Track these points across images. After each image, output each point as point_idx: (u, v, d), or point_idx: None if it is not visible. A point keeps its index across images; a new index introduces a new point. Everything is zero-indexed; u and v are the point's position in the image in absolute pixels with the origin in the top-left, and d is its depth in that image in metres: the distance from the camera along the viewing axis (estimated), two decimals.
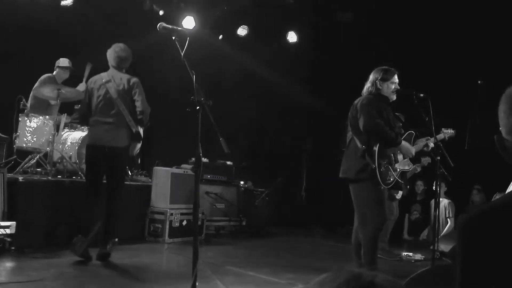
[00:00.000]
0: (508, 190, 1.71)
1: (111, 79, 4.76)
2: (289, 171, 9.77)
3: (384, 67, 4.29)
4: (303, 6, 8.61)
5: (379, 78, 4.23)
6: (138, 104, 4.70)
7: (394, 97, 4.30)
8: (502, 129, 1.34)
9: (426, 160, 6.40)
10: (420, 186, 8.62)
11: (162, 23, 3.13)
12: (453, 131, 4.88)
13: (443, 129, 4.81)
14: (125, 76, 4.81)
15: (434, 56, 8.20)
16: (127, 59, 4.86)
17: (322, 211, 9.26)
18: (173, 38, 3.01)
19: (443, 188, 8.14)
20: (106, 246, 4.62)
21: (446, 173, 5.10)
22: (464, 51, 7.77)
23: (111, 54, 4.84)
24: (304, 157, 10.10)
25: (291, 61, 9.32)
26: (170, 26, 3.07)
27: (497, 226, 1.18)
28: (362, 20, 8.42)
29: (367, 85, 4.28)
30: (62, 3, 7.49)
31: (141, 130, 4.75)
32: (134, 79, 4.81)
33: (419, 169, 6.56)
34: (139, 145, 4.83)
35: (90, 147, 4.82)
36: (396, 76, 4.27)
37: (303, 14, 8.93)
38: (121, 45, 4.86)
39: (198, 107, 2.78)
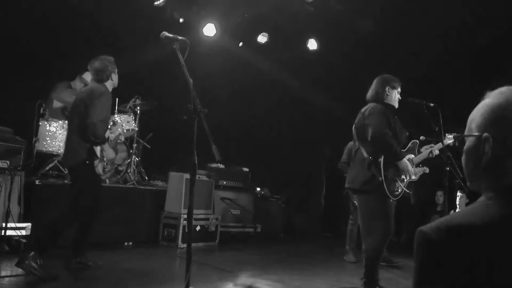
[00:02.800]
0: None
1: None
2: (309, 178, 9.74)
3: (389, 75, 4.25)
4: (324, 13, 8.60)
5: (389, 85, 4.19)
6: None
7: (397, 106, 4.26)
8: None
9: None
10: (440, 196, 8.45)
11: (165, 32, 3.20)
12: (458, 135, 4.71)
13: (447, 134, 4.64)
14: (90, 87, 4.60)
15: (454, 65, 8.07)
16: (101, 70, 4.57)
17: (341, 219, 9.17)
18: (174, 47, 3.07)
19: (464, 199, 7.96)
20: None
21: (462, 183, 4.99)
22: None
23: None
24: (324, 164, 10.05)
25: (310, 68, 9.32)
26: (171, 35, 3.13)
27: (450, 242, 1.17)
28: (383, 29, 8.34)
29: (375, 91, 4.23)
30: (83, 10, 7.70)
31: (97, 148, 4.38)
32: (98, 90, 4.45)
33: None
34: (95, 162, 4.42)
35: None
36: (399, 87, 4.25)
37: (323, 21, 8.92)
38: (99, 57, 4.64)
39: (194, 115, 2.82)
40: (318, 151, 10.00)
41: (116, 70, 4.68)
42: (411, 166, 4.22)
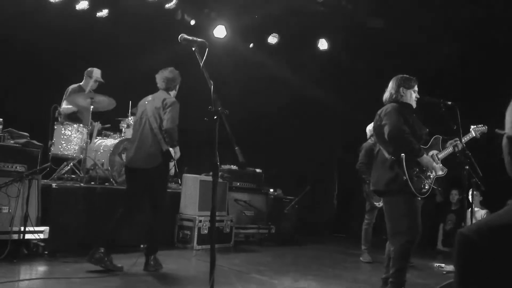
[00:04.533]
0: None
1: (152, 99, 4.94)
2: (322, 178, 9.72)
3: (405, 75, 4.22)
4: (334, 13, 8.60)
5: (403, 86, 4.17)
6: (164, 123, 4.74)
7: (415, 105, 4.23)
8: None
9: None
10: (455, 195, 8.41)
11: (183, 34, 3.20)
12: (485, 127, 4.53)
13: (472, 126, 4.55)
14: (163, 96, 4.89)
15: (466, 64, 8.02)
16: (171, 79, 4.95)
17: (354, 219, 9.15)
18: (193, 49, 3.07)
19: (479, 198, 7.91)
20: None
21: (479, 182, 4.94)
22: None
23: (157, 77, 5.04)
24: (335, 164, 10.03)
25: (322, 68, 9.31)
26: (190, 37, 3.14)
27: (493, 243, 1.16)
28: (394, 27, 8.31)
29: (390, 92, 4.21)
30: (98, 14, 7.77)
31: (172, 150, 4.73)
32: (168, 99, 4.83)
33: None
34: (171, 164, 4.94)
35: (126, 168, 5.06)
36: (416, 86, 4.22)
37: (333, 21, 8.91)
38: (169, 68, 5.02)
39: (215, 117, 2.82)
40: (330, 151, 9.97)
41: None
42: (436, 162, 4.18)
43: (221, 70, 8.11)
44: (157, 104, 4.80)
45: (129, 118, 6.89)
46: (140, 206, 4.78)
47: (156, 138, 4.72)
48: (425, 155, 4.02)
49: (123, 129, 6.90)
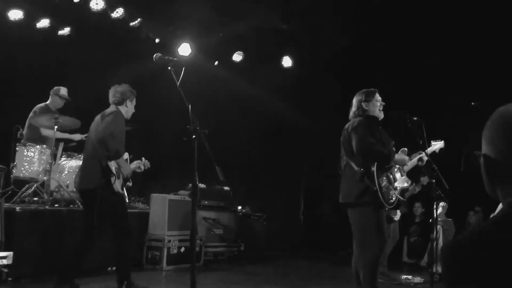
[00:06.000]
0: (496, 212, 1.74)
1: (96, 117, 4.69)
2: (288, 194, 9.80)
3: (363, 90, 4.36)
4: (298, 31, 8.78)
5: (362, 100, 4.30)
6: (97, 133, 4.42)
7: (382, 115, 4.34)
8: (488, 151, 1.30)
9: (424, 180, 6.34)
10: (418, 208, 8.64)
11: (159, 53, 3.23)
12: (441, 141, 4.81)
13: (432, 141, 4.78)
14: (106, 110, 4.65)
15: (428, 78, 8.34)
16: (120, 92, 4.72)
17: (321, 234, 9.26)
18: (169, 68, 3.09)
19: (444, 209, 8.16)
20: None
21: (442, 195, 5.12)
22: (456, 72, 7.91)
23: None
24: (302, 180, 10.15)
25: (286, 85, 9.44)
26: (166, 57, 3.16)
27: (473, 254, 1.19)
28: (358, 45, 8.55)
29: (353, 109, 4.34)
30: (60, 32, 7.65)
31: (113, 164, 4.40)
32: (109, 110, 4.59)
33: (418, 189, 6.49)
34: (115, 181, 4.41)
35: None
36: (377, 95, 4.33)
37: (298, 39, 9.09)
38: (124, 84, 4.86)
39: (194, 136, 2.84)
40: (296, 167, 10.09)
41: (134, 101, 4.78)
42: (401, 174, 4.33)
43: (186, 87, 8.10)
44: (98, 118, 4.60)
45: None
46: (99, 229, 4.43)
47: (96, 154, 4.40)
48: (396, 154, 4.16)
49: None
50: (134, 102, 4.79)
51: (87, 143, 4.68)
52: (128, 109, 4.74)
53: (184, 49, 8.78)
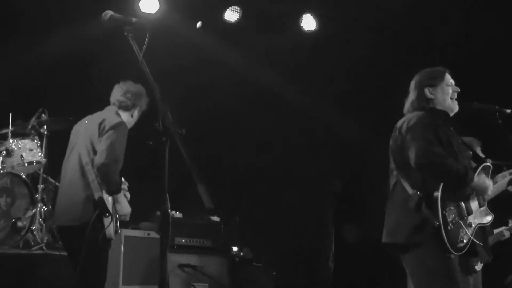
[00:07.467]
0: None
1: (90, 121, 4.90)
2: (310, 228, 9.81)
3: (427, 69, 4.36)
4: None
5: (425, 84, 4.28)
6: (97, 156, 4.63)
7: (456, 107, 4.33)
8: None
9: None
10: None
11: (109, 11, 3.21)
12: None
13: None
14: (104, 115, 4.87)
15: None
16: (134, 94, 5.05)
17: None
18: (125, 33, 3.08)
19: None
20: None
21: None
22: None
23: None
24: (331, 206, 10.15)
25: (306, 61, 9.45)
26: (120, 16, 3.15)
27: None
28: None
29: (410, 98, 4.35)
30: None
31: (109, 198, 4.64)
32: (110, 119, 4.79)
33: (507, 235, 6.42)
34: (107, 221, 4.62)
35: None
36: (448, 76, 4.32)
37: None
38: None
39: (164, 139, 2.81)
40: (322, 186, 10.09)
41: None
42: (481, 202, 4.29)
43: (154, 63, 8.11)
44: (92, 127, 4.74)
45: (10, 142, 6.80)
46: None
47: (86, 181, 4.60)
48: (475, 178, 4.09)
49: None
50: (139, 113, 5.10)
51: (69, 157, 4.85)
52: (132, 121, 5.05)
53: (149, 4, 8.81)
